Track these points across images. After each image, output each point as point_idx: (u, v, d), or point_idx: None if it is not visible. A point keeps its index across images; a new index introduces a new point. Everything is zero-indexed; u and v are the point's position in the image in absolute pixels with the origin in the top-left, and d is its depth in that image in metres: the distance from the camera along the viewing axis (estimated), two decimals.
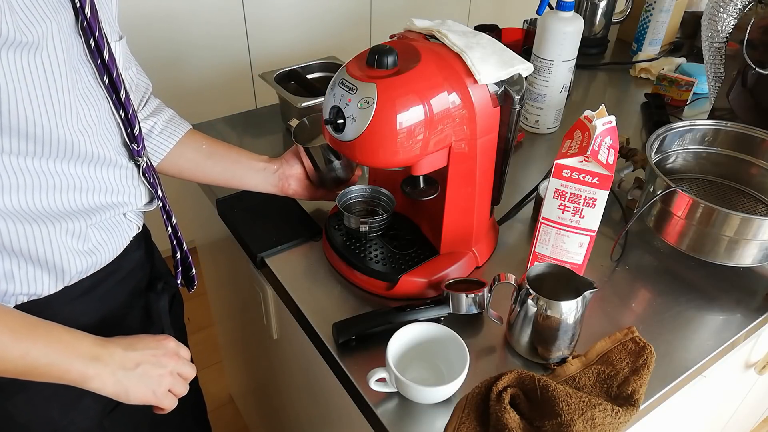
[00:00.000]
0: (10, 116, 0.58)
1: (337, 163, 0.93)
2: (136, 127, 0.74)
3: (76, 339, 0.65)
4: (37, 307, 0.68)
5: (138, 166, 0.76)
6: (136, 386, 0.68)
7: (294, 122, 0.98)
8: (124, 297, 0.80)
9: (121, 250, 0.77)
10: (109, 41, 0.69)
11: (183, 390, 0.74)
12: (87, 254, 0.71)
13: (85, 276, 0.73)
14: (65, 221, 0.68)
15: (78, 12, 0.63)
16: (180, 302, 0.98)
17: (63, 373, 0.63)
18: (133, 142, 0.74)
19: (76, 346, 0.64)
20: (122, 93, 0.70)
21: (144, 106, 0.86)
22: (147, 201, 0.80)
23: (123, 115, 0.72)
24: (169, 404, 0.73)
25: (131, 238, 0.79)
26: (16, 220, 0.63)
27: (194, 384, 1.08)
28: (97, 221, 0.72)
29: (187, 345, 1.03)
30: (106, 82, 0.69)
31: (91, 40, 0.65)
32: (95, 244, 0.72)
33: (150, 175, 0.78)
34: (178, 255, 0.90)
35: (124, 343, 0.68)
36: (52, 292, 0.70)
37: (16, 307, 0.67)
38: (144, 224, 0.85)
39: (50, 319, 0.68)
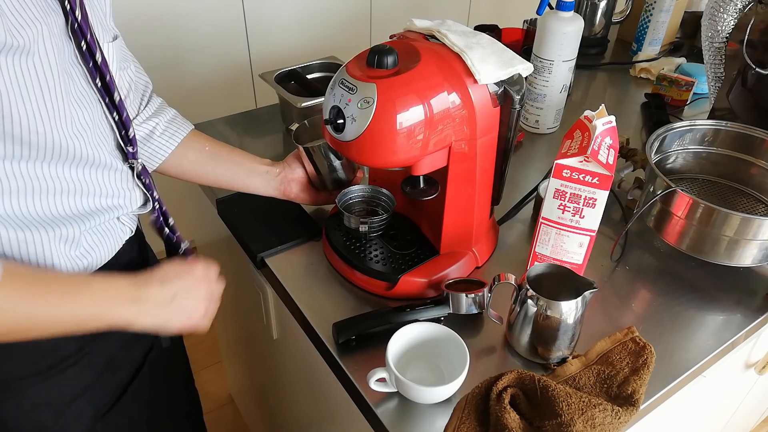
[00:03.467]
0: (3, 121, 0.57)
1: (338, 164, 0.93)
2: (131, 130, 0.74)
3: (115, 287, 0.67)
4: None
5: (132, 168, 0.76)
6: (174, 317, 0.70)
7: (295, 126, 0.98)
8: None
9: (114, 254, 0.77)
10: (101, 43, 0.68)
11: (215, 309, 0.76)
12: (78, 258, 0.71)
13: None
14: (59, 226, 0.67)
15: (68, 15, 0.63)
16: None
17: (108, 321, 0.65)
18: (128, 145, 0.74)
19: (116, 294, 0.66)
20: (116, 95, 0.70)
21: (146, 106, 0.86)
22: (141, 204, 0.80)
23: (117, 118, 0.72)
24: (204, 327, 0.75)
25: (124, 242, 0.79)
26: (8, 225, 0.63)
27: (190, 386, 1.08)
28: (91, 226, 0.71)
29: (182, 346, 1.03)
30: (99, 84, 0.68)
31: (83, 42, 0.65)
32: (87, 248, 0.72)
33: (145, 177, 0.78)
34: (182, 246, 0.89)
35: (157, 278, 0.70)
36: None
37: None
38: (138, 226, 0.84)
39: None
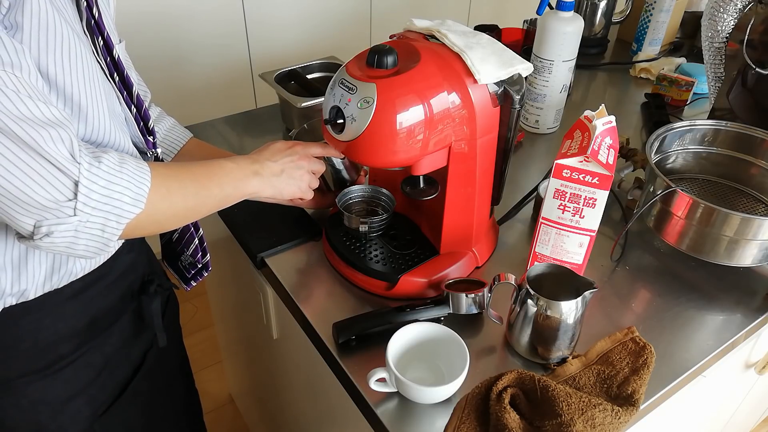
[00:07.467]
0: (72, 106, 0.60)
1: (339, 165, 0.93)
2: (150, 121, 0.76)
3: (241, 166, 0.76)
4: (26, 310, 0.68)
5: (155, 158, 0.79)
6: (286, 187, 0.80)
7: (294, 132, 0.98)
8: (115, 300, 0.79)
9: (112, 254, 0.77)
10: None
11: (316, 183, 0.86)
12: (76, 258, 0.71)
13: (74, 279, 0.72)
14: None
15: (83, 12, 0.64)
16: (175, 304, 0.97)
17: (242, 193, 0.76)
18: (149, 135, 0.76)
19: (245, 171, 0.76)
20: (134, 90, 0.72)
21: None
22: None
23: (136, 111, 0.73)
24: (310, 195, 0.86)
25: (122, 241, 0.79)
26: None
27: (190, 385, 1.08)
28: None
29: (182, 347, 1.03)
30: (117, 79, 0.70)
31: (99, 39, 0.66)
32: None
33: None
34: (196, 240, 0.89)
35: (266, 154, 0.80)
36: (39, 294, 0.69)
37: (4, 309, 0.67)
38: None
39: (40, 319, 0.69)
